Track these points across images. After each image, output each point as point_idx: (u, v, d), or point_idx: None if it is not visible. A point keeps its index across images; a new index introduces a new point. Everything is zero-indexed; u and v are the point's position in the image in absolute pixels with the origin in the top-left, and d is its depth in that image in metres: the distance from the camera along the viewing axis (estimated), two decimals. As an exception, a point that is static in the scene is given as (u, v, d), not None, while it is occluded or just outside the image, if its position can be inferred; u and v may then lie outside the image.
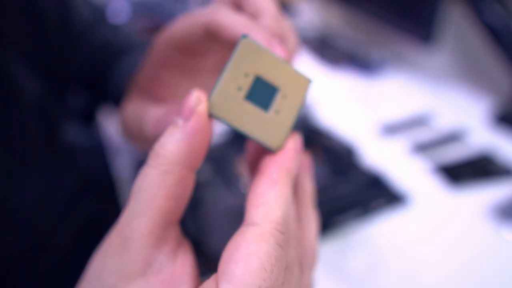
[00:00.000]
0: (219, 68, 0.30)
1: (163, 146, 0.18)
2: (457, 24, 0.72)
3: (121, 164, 0.53)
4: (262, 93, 0.20)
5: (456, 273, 0.39)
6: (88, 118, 0.50)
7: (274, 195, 0.19)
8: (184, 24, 0.25)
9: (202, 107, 0.18)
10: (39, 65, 0.37)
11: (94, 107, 0.48)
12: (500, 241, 0.42)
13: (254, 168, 0.23)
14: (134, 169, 0.51)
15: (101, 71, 0.42)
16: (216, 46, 0.25)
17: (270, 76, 0.20)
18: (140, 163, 0.51)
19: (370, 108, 0.67)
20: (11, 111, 0.33)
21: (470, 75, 0.74)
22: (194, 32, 0.25)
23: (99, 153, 0.51)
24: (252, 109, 0.20)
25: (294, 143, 0.21)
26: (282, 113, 0.20)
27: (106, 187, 0.49)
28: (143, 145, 0.34)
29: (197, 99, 0.18)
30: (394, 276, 0.39)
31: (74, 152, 0.41)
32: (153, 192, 0.18)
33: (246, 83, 0.19)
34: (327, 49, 0.86)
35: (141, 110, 0.29)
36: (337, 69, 0.80)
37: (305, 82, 0.21)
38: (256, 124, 0.20)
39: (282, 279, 0.17)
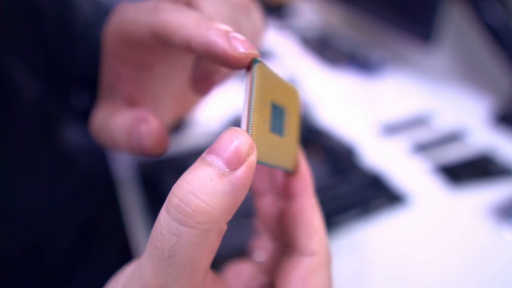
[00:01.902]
0: (183, 56, 0.26)
1: (204, 199, 0.14)
2: (457, 24, 0.72)
3: (121, 165, 0.53)
4: (277, 119, 0.18)
5: (456, 272, 0.39)
6: (89, 119, 0.50)
7: (319, 221, 0.20)
8: (130, 24, 0.21)
9: (254, 159, 0.16)
10: (39, 65, 0.37)
11: (95, 107, 0.48)
12: (500, 241, 0.42)
13: (260, 186, 0.23)
14: (134, 170, 0.51)
15: None
16: (170, 49, 0.22)
17: (279, 98, 0.18)
18: (140, 164, 0.51)
19: (370, 108, 0.67)
20: (10, 111, 0.33)
21: (470, 75, 0.74)
22: (139, 35, 0.21)
23: (99, 154, 0.51)
24: (275, 139, 0.18)
25: (303, 159, 0.21)
26: (290, 132, 0.19)
27: (106, 187, 0.49)
28: (118, 152, 0.32)
29: (249, 147, 0.15)
30: (394, 276, 0.39)
31: (74, 152, 0.41)
32: (194, 255, 0.15)
33: (267, 114, 0.18)
34: (327, 49, 0.86)
35: (110, 119, 0.25)
36: (337, 69, 0.80)
37: (296, 92, 0.20)
38: (279, 153, 0.19)
39: None
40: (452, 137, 0.58)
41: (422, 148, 0.56)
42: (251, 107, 0.17)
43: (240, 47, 0.17)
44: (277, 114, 0.18)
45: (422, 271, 0.39)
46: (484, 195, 0.47)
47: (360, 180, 0.49)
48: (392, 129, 0.60)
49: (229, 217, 0.15)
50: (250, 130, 0.16)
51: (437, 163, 0.53)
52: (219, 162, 0.15)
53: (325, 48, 0.87)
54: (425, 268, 0.39)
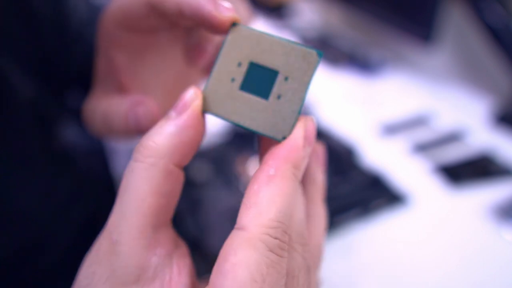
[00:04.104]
0: (174, 45, 0.27)
1: (152, 138, 0.17)
2: (457, 24, 0.72)
3: (120, 164, 0.53)
4: (259, 80, 0.18)
5: (456, 272, 0.39)
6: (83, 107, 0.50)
7: (269, 193, 0.16)
8: (127, 1, 0.23)
9: (197, 103, 0.18)
10: (34, 66, 0.37)
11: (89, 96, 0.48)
12: (500, 241, 0.42)
13: None
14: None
15: None
16: (164, 21, 0.23)
17: (267, 59, 0.18)
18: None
19: (370, 108, 0.67)
20: (6, 112, 0.33)
21: (470, 75, 0.74)
22: (137, 9, 0.22)
23: (98, 153, 0.51)
24: (250, 99, 0.18)
25: (303, 129, 0.18)
26: (286, 97, 0.18)
27: (105, 187, 0.49)
28: (111, 139, 0.33)
29: (194, 94, 0.18)
30: (394, 276, 0.39)
31: (73, 152, 0.41)
32: (141, 189, 0.17)
33: (240, 73, 0.18)
34: (327, 49, 0.86)
35: (104, 105, 0.27)
36: (337, 69, 0.80)
37: (311, 57, 0.18)
38: (257, 115, 0.18)
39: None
40: (452, 137, 0.58)
41: (422, 148, 0.56)
42: (214, 63, 0.19)
43: (225, 11, 0.19)
44: (259, 74, 0.18)
45: (422, 271, 0.39)
46: (484, 195, 0.47)
47: (360, 180, 0.49)
48: (392, 129, 0.60)
49: (176, 157, 0.17)
50: (206, 84, 0.19)
51: (437, 163, 0.53)
52: (171, 112, 0.18)
53: (325, 48, 0.87)
54: (425, 268, 0.39)
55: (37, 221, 0.34)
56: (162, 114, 0.23)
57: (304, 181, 0.22)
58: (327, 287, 0.38)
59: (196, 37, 0.24)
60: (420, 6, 0.68)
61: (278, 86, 0.18)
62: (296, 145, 0.17)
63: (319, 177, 0.22)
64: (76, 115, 0.48)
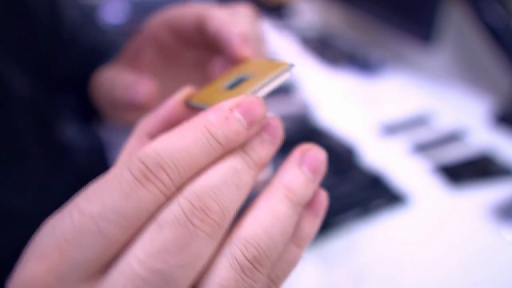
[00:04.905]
0: (196, 68, 0.33)
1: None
2: (457, 24, 0.72)
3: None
4: (236, 83, 0.22)
5: (456, 272, 0.39)
6: (88, 117, 0.50)
7: (163, 138, 0.16)
8: (181, 11, 0.29)
9: (180, 94, 0.21)
10: (30, 66, 0.37)
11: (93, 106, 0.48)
12: (500, 241, 0.42)
13: None
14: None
15: (89, 72, 0.42)
16: (201, 39, 0.29)
17: (250, 71, 0.22)
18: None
19: (370, 108, 0.67)
20: (4, 112, 0.33)
21: (470, 75, 0.74)
22: (188, 21, 0.28)
23: (98, 152, 0.51)
24: (222, 92, 0.22)
25: (233, 101, 0.18)
26: (240, 87, 0.21)
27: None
28: (112, 114, 0.38)
29: (183, 90, 0.22)
30: (394, 276, 0.39)
31: (71, 151, 0.41)
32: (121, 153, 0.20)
33: (228, 81, 0.23)
34: (327, 49, 0.86)
35: (114, 73, 0.33)
36: (337, 69, 0.80)
37: (280, 65, 0.20)
38: (214, 101, 0.20)
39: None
40: (452, 137, 0.58)
41: (422, 148, 0.56)
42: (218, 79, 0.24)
43: (246, 50, 0.26)
44: (239, 81, 0.22)
45: (422, 271, 0.39)
46: (484, 195, 0.47)
47: (360, 180, 0.49)
48: (392, 129, 0.60)
49: (146, 127, 0.21)
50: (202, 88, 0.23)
51: (437, 163, 0.53)
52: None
53: (325, 48, 0.87)
54: (426, 268, 0.39)
55: (36, 221, 0.34)
56: (157, 94, 0.29)
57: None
58: (328, 287, 0.38)
59: (219, 60, 0.29)
60: (420, 6, 0.68)
61: (243, 81, 0.22)
62: (214, 108, 0.17)
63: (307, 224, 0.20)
64: (76, 114, 0.48)
